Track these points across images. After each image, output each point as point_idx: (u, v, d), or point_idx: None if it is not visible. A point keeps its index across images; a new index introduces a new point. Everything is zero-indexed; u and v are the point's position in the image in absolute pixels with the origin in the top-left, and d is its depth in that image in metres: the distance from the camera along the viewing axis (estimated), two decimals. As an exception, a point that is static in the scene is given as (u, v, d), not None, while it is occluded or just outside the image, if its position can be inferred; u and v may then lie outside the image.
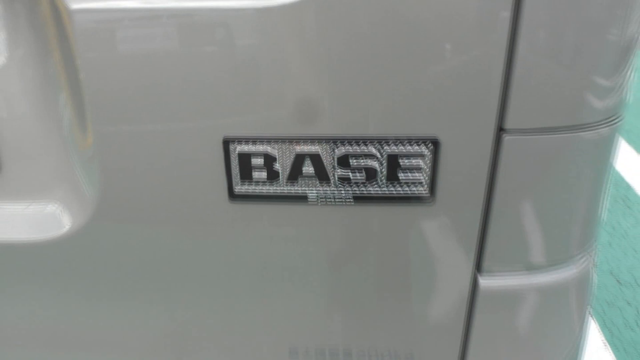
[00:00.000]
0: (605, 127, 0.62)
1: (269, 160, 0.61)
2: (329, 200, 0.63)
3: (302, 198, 0.63)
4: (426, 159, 0.60)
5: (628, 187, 2.97)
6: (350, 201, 0.63)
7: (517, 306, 0.72)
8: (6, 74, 0.64)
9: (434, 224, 0.65)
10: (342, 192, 0.63)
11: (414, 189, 0.62)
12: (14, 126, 0.67)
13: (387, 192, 0.62)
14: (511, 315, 0.72)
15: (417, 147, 0.60)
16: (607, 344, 1.93)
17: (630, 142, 3.54)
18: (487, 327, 0.73)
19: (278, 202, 0.64)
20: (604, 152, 0.65)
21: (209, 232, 0.67)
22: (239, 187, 0.63)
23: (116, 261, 0.70)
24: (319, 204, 0.64)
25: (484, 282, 0.69)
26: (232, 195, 0.64)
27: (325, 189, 0.63)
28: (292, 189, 0.63)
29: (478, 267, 0.69)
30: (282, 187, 0.63)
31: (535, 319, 0.73)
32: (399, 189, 0.62)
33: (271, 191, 0.63)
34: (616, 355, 1.88)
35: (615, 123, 0.63)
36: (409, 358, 0.75)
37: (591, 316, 2.07)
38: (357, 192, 0.62)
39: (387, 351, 0.75)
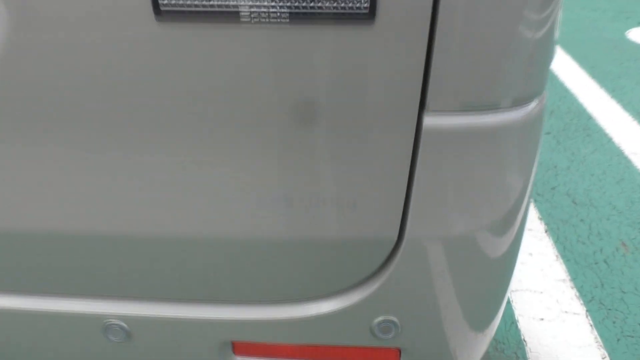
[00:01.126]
0: None
1: (196, -33, 0.56)
2: (263, 17, 0.59)
3: (233, 14, 0.58)
4: (366, -34, 0.56)
5: (589, 117, 3.00)
6: (285, 18, 0.59)
7: (464, 147, 0.69)
8: None
9: (374, 50, 0.61)
10: (277, 6, 0.58)
11: (353, 3, 0.57)
12: None
13: (323, 6, 0.58)
14: (457, 157, 0.70)
15: (356, -48, 0.55)
16: (559, 256, 1.97)
17: (593, 77, 3.57)
18: (432, 171, 0.70)
19: (207, 20, 0.59)
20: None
21: (136, 57, 0.62)
22: (164, 1, 0.58)
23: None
24: (252, 22, 0.59)
25: (429, 120, 0.67)
26: (158, 12, 0.59)
27: (258, 2, 0.58)
28: (222, 2, 0.58)
29: (422, 104, 0.66)
30: (211, 0, 0.58)
31: (481, 163, 0.71)
32: (337, 2, 0.57)
33: (200, 6, 0.58)
34: (567, 266, 1.92)
35: None
36: (351, 205, 0.73)
37: (546, 232, 2.11)
38: (293, 6, 0.58)
39: (338, 201, 0.73)
